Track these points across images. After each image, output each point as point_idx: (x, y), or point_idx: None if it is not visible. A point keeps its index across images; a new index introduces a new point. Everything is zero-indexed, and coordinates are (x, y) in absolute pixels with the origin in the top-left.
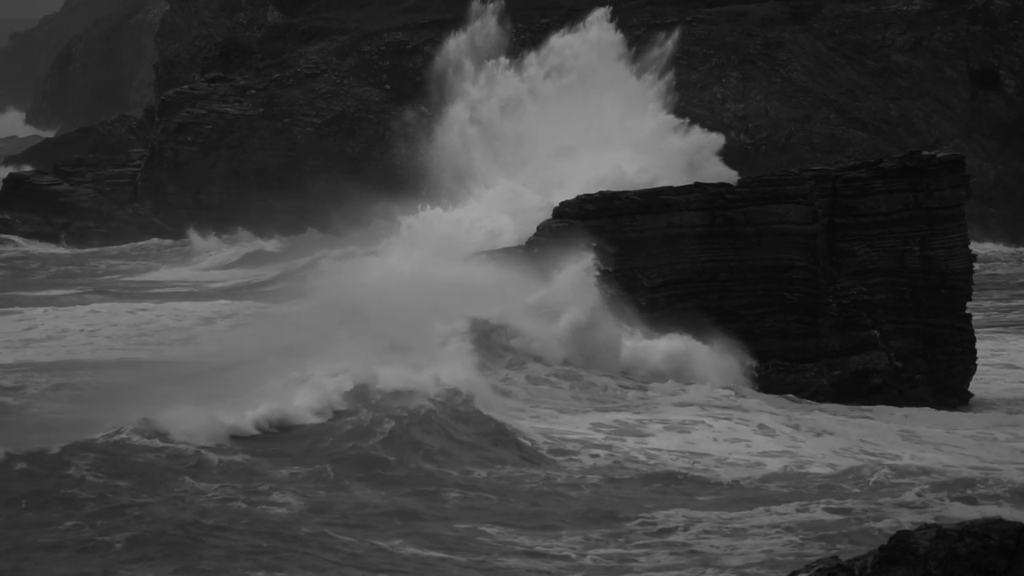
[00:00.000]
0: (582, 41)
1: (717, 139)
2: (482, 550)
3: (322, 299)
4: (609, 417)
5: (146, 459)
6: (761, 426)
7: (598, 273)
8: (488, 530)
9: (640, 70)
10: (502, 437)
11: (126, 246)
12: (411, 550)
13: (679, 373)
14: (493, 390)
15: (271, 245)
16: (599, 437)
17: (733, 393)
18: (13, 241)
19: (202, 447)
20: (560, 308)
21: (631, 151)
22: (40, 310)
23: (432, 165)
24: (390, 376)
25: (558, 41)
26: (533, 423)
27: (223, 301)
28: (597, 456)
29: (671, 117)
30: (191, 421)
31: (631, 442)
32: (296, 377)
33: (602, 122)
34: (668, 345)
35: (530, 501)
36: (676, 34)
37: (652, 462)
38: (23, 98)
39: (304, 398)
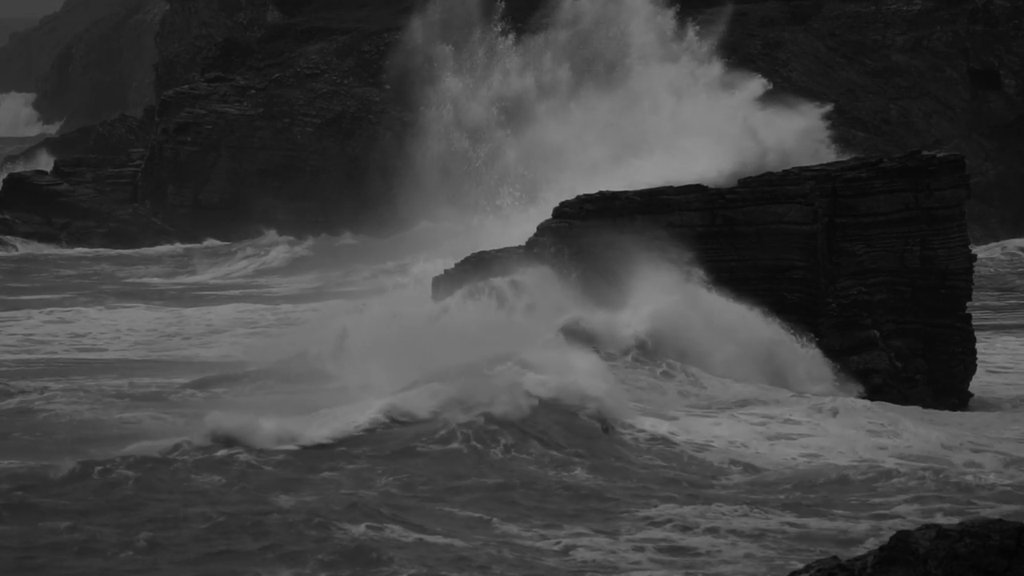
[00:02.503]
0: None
1: (816, 114)
2: (476, 539)
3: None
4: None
5: (207, 468)
6: (788, 420)
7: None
8: (493, 519)
9: (698, 33)
10: (580, 429)
11: (160, 248)
12: (413, 536)
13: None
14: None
15: (298, 250)
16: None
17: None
18: (12, 243)
19: (245, 455)
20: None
21: (711, 142)
22: (54, 312)
23: (413, 193)
24: (485, 383)
25: (570, 6)
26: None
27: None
28: (622, 444)
29: (761, 81)
30: (267, 433)
31: (657, 429)
32: (376, 388)
33: (655, 109)
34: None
35: (558, 489)
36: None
37: (669, 453)
38: (25, 104)
39: (376, 408)
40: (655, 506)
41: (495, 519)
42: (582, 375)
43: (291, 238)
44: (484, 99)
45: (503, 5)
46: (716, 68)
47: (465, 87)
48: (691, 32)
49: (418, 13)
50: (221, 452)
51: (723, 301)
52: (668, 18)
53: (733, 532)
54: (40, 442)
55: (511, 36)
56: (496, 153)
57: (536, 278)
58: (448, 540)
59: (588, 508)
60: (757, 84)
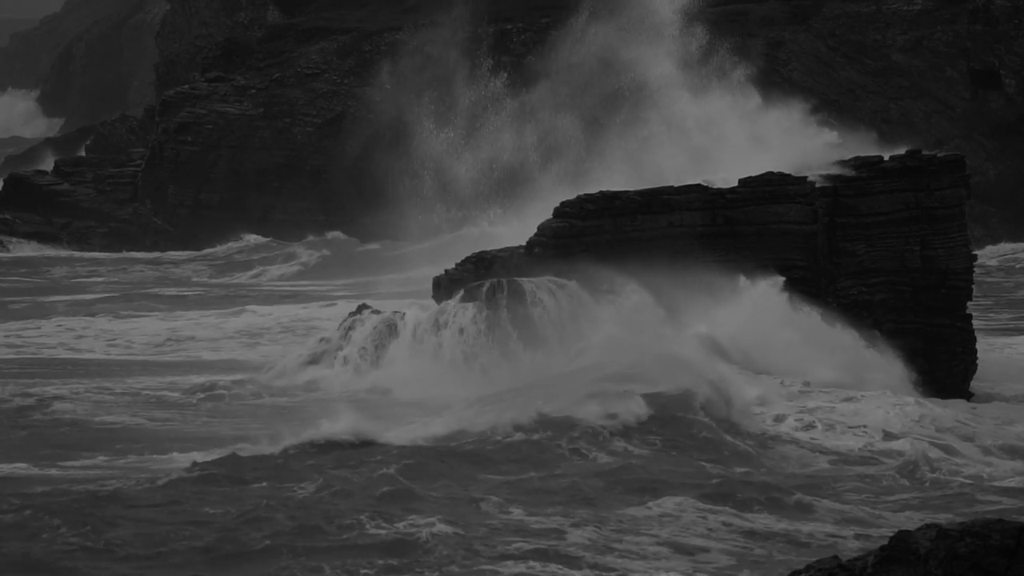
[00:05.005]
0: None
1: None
2: (485, 526)
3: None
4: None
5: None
6: (818, 405)
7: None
8: (513, 509)
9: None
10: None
11: (173, 254)
12: (432, 528)
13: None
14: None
15: (314, 256)
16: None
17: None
18: (10, 243)
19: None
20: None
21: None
22: (73, 316)
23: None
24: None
25: (576, 35)
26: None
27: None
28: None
29: (803, 105)
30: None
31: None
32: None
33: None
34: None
35: (591, 480)
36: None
37: (703, 440)
38: (24, 98)
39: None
40: (672, 497)
41: (517, 509)
42: (695, 368)
43: (311, 239)
44: (472, 164)
45: (491, 30)
46: (755, 97)
47: (448, 147)
48: (722, 51)
49: (388, 59)
50: (243, 455)
51: (809, 316)
52: (695, 38)
53: (726, 532)
54: (49, 443)
55: (503, 76)
56: (499, 221)
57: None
58: (463, 530)
59: (601, 498)
60: (802, 107)
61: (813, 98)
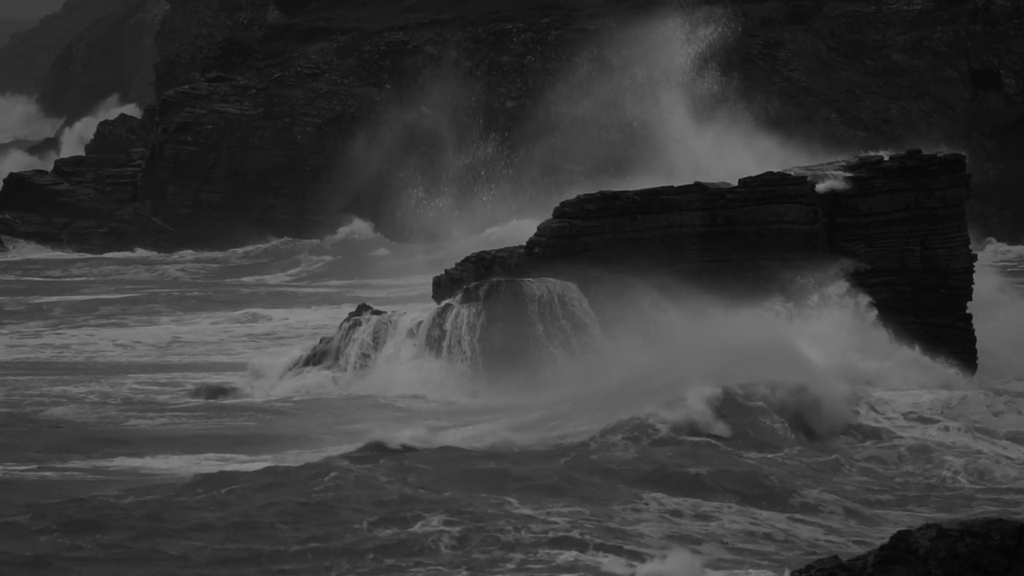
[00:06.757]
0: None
1: None
2: (497, 523)
3: None
4: None
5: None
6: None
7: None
8: (526, 505)
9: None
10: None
11: (182, 253)
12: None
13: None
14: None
15: (319, 260)
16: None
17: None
18: (11, 244)
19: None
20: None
21: None
22: (89, 321)
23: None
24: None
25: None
26: None
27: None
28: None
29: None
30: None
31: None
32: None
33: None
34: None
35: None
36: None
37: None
38: (24, 102)
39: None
40: (677, 497)
41: (522, 503)
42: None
43: (326, 236)
44: (467, 238)
45: (482, 78)
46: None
47: (440, 218)
48: (731, 96)
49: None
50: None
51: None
52: (706, 80)
53: (724, 529)
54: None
55: (494, 139)
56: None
57: None
58: (474, 529)
59: (615, 491)
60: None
61: (812, 98)
